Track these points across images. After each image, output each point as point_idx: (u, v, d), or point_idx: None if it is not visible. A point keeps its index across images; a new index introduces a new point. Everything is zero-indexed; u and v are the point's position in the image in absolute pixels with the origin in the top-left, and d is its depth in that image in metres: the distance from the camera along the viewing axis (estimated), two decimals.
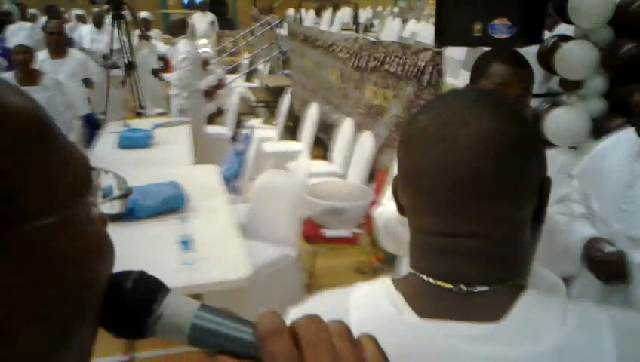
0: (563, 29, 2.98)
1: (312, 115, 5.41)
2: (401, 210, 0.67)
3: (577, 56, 2.68)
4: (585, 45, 2.68)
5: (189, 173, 3.47)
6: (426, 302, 0.59)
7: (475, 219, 0.57)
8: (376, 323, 0.59)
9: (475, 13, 2.56)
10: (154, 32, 6.74)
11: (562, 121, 2.80)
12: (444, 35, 2.73)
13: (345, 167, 4.43)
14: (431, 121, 0.59)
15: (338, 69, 4.80)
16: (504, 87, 1.42)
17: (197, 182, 3.27)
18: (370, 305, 0.63)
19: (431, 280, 0.60)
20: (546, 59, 2.93)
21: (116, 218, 0.44)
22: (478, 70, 1.50)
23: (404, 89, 3.40)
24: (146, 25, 7.90)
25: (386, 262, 3.43)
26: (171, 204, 2.80)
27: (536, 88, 3.58)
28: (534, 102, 3.36)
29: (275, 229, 3.07)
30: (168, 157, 3.92)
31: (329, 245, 3.35)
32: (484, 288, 0.57)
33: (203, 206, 2.96)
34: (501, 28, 2.51)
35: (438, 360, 0.54)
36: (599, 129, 2.77)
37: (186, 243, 2.30)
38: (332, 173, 4.45)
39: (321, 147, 5.44)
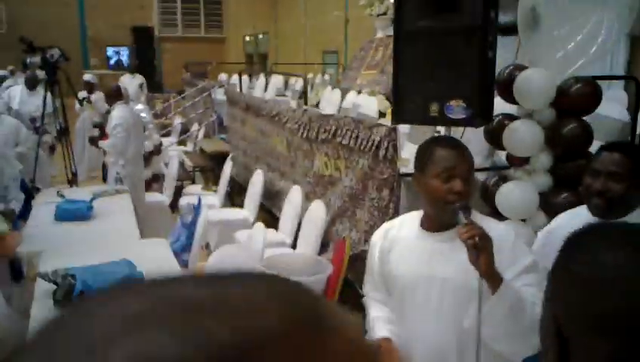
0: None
1: (256, 182, 5.38)
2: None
3: (524, 135, 2.87)
4: (530, 124, 2.87)
5: (138, 249, 3.31)
6: None
7: None
8: None
9: (430, 93, 2.69)
10: (97, 95, 6.55)
11: (513, 195, 2.94)
12: (402, 114, 2.84)
13: (294, 236, 4.40)
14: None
15: (284, 138, 4.85)
16: (452, 169, 1.55)
17: (148, 259, 3.11)
18: None
19: None
20: (494, 135, 3.11)
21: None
22: (422, 158, 1.63)
23: (358, 161, 3.48)
24: (89, 87, 7.67)
25: None
26: None
27: (482, 162, 3.78)
28: (481, 176, 3.54)
29: None
30: (112, 231, 3.73)
31: None
32: None
33: None
34: (457, 109, 2.65)
35: None
36: (546, 202, 2.94)
37: None
38: (281, 242, 4.40)
39: (266, 214, 5.39)
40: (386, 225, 1.86)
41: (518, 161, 3.03)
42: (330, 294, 3.28)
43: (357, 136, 3.47)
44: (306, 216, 4.23)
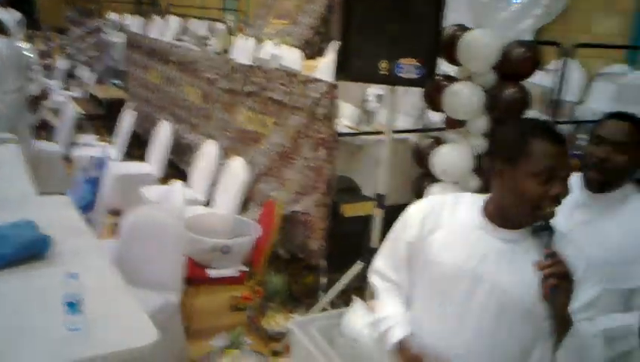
0: None
1: (162, 134, 4.97)
2: None
3: (465, 98, 2.83)
4: (472, 87, 2.84)
5: (36, 207, 2.88)
6: None
7: None
8: None
9: (381, 50, 2.54)
10: None
11: (449, 158, 2.93)
12: (347, 70, 2.67)
13: (209, 193, 4.13)
14: None
15: (199, 88, 4.48)
16: (554, 170, 1.26)
17: (50, 218, 2.71)
18: None
19: None
20: (432, 97, 3.06)
21: None
22: (515, 148, 1.30)
23: (290, 118, 3.27)
24: None
25: (267, 298, 3.24)
26: (32, 250, 2.28)
27: (413, 123, 3.74)
28: (413, 137, 3.50)
29: (152, 273, 2.68)
30: (2, 186, 3.23)
31: (213, 286, 3.05)
32: None
33: (68, 250, 2.45)
34: (409, 68, 2.53)
35: None
36: (480, 166, 2.96)
37: (73, 306, 1.85)
38: (193, 199, 4.10)
39: (172, 169, 5.02)
40: (435, 199, 1.52)
41: (454, 124, 3.00)
42: (259, 258, 3.11)
43: (290, 91, 3.25)
44: (225, 173, 3.97)
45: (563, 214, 1.69)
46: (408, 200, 3.34)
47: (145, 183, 4.46)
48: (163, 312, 2.58)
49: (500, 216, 1.37)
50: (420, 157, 3.20)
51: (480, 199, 1.45)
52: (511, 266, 1.34)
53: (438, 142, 3.12)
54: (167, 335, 2.45)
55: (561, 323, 1.19)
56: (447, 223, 1.44)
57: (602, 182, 1.61)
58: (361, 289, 3.01)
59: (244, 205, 3.76)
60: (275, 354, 2.90)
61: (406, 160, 3.35)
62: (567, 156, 1.30)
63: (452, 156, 2.93)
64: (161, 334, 1.90)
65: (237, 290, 3.27)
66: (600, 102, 4.84)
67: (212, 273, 2.97)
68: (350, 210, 3.12)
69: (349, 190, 3.36)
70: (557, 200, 1.27)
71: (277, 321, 3.07)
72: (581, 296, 1.26)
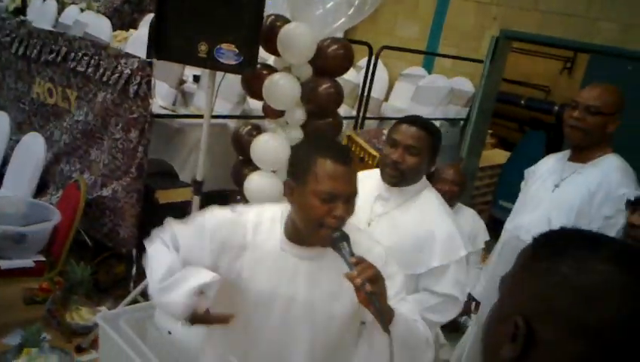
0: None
1: None
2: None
3: (283, 89, 2.89)
4: (290, 79, 2.91)
5: None
6: None
7: None
8: None
9: (200, 31, 2.46)
10: None
11: (268, 146, 2.97)
12: (164, 49, 2.53)
13: None
14: None
15: None
16: (337, 192, 1.28)
17: None
18: None
19: None
20: (251, 85, 3.06)
21: None
22: (302, 166, 1.32)
23: (97, 93, 2.99)
24: None
25: (70, 290, 2.97)
26: None
27: (232, 109, 3.71)
28: (232, 123, 3.47)
29: None
30: None
31: (4, 278, 2.67)
32: None
33: None
34: (228, 53, 2.49)
35: None
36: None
37: None
38: None
39: None
40: (236, 221, 1.42)
41: (273, 113, 3.05)
42: (60, 245, 2.82)
43: (98, 65, 2.98)
44: (18, 150, 3.50)
45: (364, 207, 1.83)
46: (227, 187, 3.35)
47: None
48: None
49: (297, 234, 1.37)
50: (240, 144, 3.18)
51: (279, 215, 1.42)
52: (322, 282, 1.37)
53: (258, 130, 3.14)
54: None
55: (385, 316, 1.23)
56: (252, 247, 1.39)
57: (397, 179, 1.78)
58: None
59: (42, 188, 3.37)
60: (80, 350, 2.67)
61: (225, 146, 3.32)
62: (353, 177, 1.33)
63: (270, 145, 2.97)
64: None
65: (34, 282, 2.93)
66: (401, 100, 5.35)
67: (3, 264, 2.61)
68: (165, 196, 3.00)
69: (164, 175, 3.21)
70: (340, 219, 1.29)
71: (81, 315, 2.83)
72: (392, 284, 1.34)
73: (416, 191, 1.82)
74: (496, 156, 5.63)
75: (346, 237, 1.29)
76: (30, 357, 2.43)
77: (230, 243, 1.39)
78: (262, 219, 1.43)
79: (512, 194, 2.49)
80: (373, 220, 1.84)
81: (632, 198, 1.31)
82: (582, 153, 2.08)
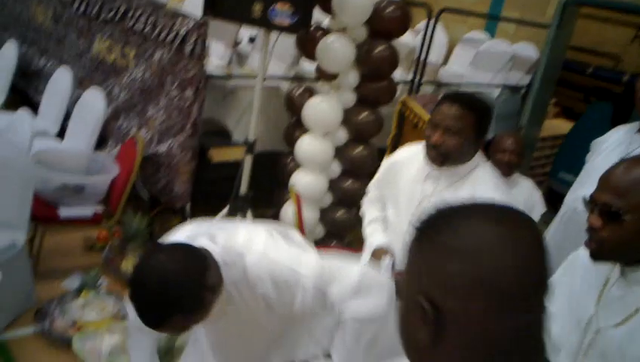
0: None
1: (7, 55, 4.39)
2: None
3: (338, 51, 2.85)
4: (345, 41, 2.86)
5: None
6: None
7: None
8: None
9: None
10: None
11: (320, 108, 2.95)
12: (219, 8, 2.53)
13: (60, 126, 3.77)
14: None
15: (50, 8, 4.00)
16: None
17: None
18: None
19: None
20: (305, 46, 3.03)
21: None
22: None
23: (154, 52, 3.05)
24: None
25: (127, 240, 3.10)
26: None
27: (286, 70, 3.69)
28: (286, 84, 3.47)
29: None
30: None
31: (65, 226, 2.82)
32: None
33: None
34: (282, 13, 2.46)
35: None
36: (347, 119, 3.03)
37: None
38: (43, 131, 3.72)
39: (15, 95, 4.49)
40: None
41: (327, 76, 3.02)
42: (117, 198, 2.94)
43: (154, 24, 3.02)
44: (79, 105, 3.63)
45: (415, 185, 1.80)
46: (279, 148, 3.37)
47: None
48: (8, 252, 2.36)
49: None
50: (292, 105, 3.18)
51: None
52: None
53: (311, 92, 3.13)
54: (12, 276, 2.26)
55: None
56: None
57: (440, 161, 1.72)
58: None
59: (101, 141, 3.50)
60: None
61: (278, 107, 3.33)
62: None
63: (323, 107, 2.96)
64: (4, 274, 1.74)
65: (92, 231, 3.07)
66: (460, 65, 5.17)
67: (63, 212, 2.75)
68: (218, 154, 3.04)
69: (217, 134, 3.26)
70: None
71: None
72: None
73: (469, 169, 1.76)
74: (559, 126, 5.40)
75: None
76: (87, 300, 2.57)
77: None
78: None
79: (573, 166, 2.39)
80: (423, 200, 1.79)
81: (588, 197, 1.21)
82: None
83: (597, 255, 1.22)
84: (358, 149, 3.10)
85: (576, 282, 1.37)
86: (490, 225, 0.66)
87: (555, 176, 5.01)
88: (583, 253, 1.36)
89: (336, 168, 3.15)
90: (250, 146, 2.83)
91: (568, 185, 2.31)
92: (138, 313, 1.28)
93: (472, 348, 0.64)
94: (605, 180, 1.21)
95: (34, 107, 4.00)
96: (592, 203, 1.22)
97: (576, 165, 2.34)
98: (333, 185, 3.16)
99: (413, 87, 3.82)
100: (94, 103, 3.49)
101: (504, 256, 0.63)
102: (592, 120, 4.93)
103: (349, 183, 3.15)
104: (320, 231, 3.27)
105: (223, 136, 3.32)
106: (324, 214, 3.23)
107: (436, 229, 0.68)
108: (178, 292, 1.25)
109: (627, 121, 2.23)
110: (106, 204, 2.97)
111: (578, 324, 1.29)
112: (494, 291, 0.62)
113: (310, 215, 3.13)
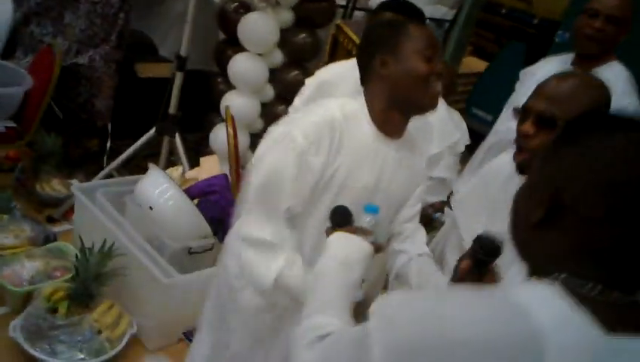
0: None
1: None
2: None
3: None
4: None
5: None
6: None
7: None
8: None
9: None
10: None
11: (257, 26, 2.83)
12: None
13: None
14: None
15: None
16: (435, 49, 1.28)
17: None
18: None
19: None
20: None
21: None
22: (392, 36, 1.29)
23: None
24: None
25: (40, 160, 2.88)
26: None
27: None
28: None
29: None
30: None
31: None
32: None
33: None
34: None
35: None
36: (285, 40, 2.93)
37: None
38: None
39: None
40: (324, 119, 1.29)
41: None
42: (31, 112, 2.68)
43: None
44: None
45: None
46: (207, 68, 3.21)
47: None
48: None
49: (392, 124, 1.33)
50: (226, 21, 3.02)
51: (361, 108, 1.33)
52: (402, 171, 1.37)
53: (247, 7, 2.97)
54: None
55: None
56: (347, 140, 1.29)
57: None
58: (153, 156, 2.85)
59: (9, 51, 3.14)
60: (51, 220, 2.62)
61: (209, 22, 3.14)
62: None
63: (259, 25, 2.83)
64: None
65: (3, 149, 2.80)
66: None
67: None
68: (145, 69, 2.86)
69: (143, 47, 3.04)
70: (440, 76, 1.29)
71: (52, 186, 2.75)
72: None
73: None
74: (473, 64, 5.59)
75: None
76: (2, 223, 2.38)
77: (328, 142, 1.27)
78: (347, 109, 1.32)
79: (487, 103, 2.48)
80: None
81: (520, 107, 1.28)
82: (587, 60, 2.06)
83: (526, 166, 1.22)
84: (294, 73, 3.03)
85: (492, 193, 1.41)
86: (634, 142, 0.66)
87: (468, 112, 5.25)
88: (504, 167, 1.39)
89: (269, 92, 3.07)
90: (181, 62, 2.67)
91: (481, 121, 2.40)
92: None
93: (570, 245, 0.67)
94: (540, 90, 1.25)
95: None
96: (525, 112, 1.25)
97: (491, 102, 2.41)
98: (265, 109, 3.09)
99: (347, 11, 3.76)
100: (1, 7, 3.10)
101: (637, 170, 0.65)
102: (507, 59, 5.15)
103: (282, 108, 3.09)
104: (251, 156, 3.21)
105: (149, 51, 3.10)
106: (255, 140, 3.17)
107: (588, 131, 0.70)
108: None
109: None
110: (19, 120, 2.71)
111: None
112: (619, 199, 0.64)
113: (240, 139, 3.05)
